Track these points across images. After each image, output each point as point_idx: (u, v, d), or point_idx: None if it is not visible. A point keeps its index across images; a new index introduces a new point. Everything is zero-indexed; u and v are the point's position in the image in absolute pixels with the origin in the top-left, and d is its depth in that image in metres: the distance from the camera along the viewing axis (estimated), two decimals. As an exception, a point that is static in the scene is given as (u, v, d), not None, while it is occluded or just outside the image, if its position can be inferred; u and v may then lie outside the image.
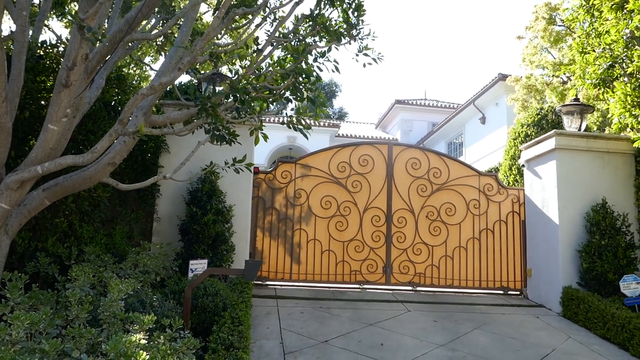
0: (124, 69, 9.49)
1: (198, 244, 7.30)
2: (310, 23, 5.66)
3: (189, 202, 7.66)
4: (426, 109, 30.55)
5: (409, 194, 9.58)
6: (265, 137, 5.68)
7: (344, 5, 5.53)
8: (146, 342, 3.68)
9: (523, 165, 9.83)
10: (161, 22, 8.63)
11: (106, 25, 6.62)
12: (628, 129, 8.08)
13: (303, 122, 5.51)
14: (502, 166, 12.30)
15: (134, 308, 5.04)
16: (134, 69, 12.87)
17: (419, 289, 9.33)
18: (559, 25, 13.66)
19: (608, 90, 7.86)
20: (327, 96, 49.97)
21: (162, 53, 10.43)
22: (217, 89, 8.21)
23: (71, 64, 4.57)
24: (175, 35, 9.56)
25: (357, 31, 5.63)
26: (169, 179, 5.53)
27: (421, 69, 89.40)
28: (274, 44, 6.00)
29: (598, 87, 7.93)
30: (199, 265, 6.65)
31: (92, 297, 4.60)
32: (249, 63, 5.68)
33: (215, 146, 6.32)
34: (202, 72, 8.85)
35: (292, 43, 5.83)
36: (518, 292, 9.52)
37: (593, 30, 7.78)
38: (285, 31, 6.02)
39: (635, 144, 8.35)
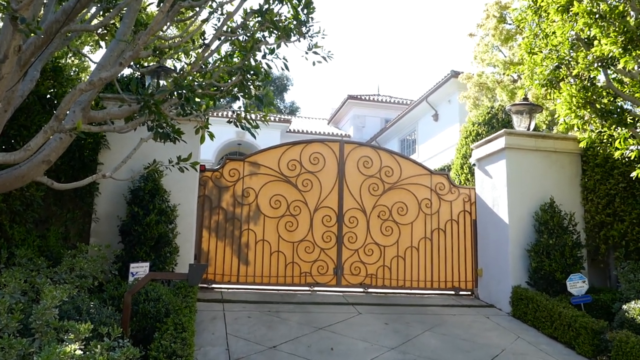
0: (60, 60, 9.21)
1: (139, 246, 7.18)
2: (259, 18, 5.66)
3: (130, 202, 7.53)
4: (379, 105, 30.96)
5: (360, 193, 9.70)
6: (212, 136, 5.64)
7: (294, 2, 5.55)
8: (82, 352, 3.61)
9: (474, 164, 10.12)
10: (102, 11, 8.41)
11: (42, 13, 6.41)
12: (575, 129, 8.44)
13: (250, 121, 5.51)
14: (454, 165, 12.63)
15: (70, 315, 4.92)
16: (72, 59, 12.49)
17: (370, 290, 9.48)
18: (509, 24, 14.12)
19: (555, 90, 8.20)
20: (278, 90, 49.81)
21: (103, 43, 10.16)
22: (162, 82, 8.08)
23: (2, 56, 4.41)
24: (118, 25, 9.34)
25: (307, 28, 5.67)
26: (108, 177, 5.42)
27: (375, 65, 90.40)
28: (222, 38, 5.96)
29: (546, 88, 8.25)
30: (140, 269, 6.54)
31: (23, 305, 4.47)
32: (194, 58, 5.63)
33: (159, 143, 6.23)
34: (147, 65, 8.69)
35: (241, 38, 5.81)
36: (469, 293, 9.81)
37: (540, 31, 8.09)
38: (234, 25, 5.99)
39: (581, 144, 8.74)
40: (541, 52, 8.09)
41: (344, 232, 9.50)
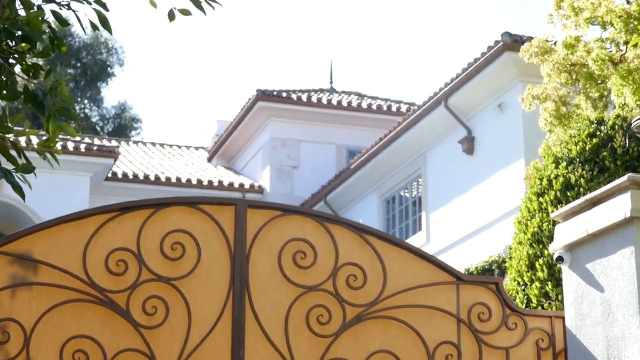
0: None
1: None
2: None
3: None
4: (332, 116, 31.16)
5: (287, 330, 9.64)
6: None
7: None
8: None
9: (559, 259, 10.25)
10: None
11: None
12: None
13: (14, 156, 5.49)
14: (512, 258, 12.82)
15: None
16: None
17: None
18: None
19: None
20: (90, 77, 50.02)
21: None
22: None
23: None
24: None
25: None
26: None
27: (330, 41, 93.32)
28: None
29: None
30: None
31: None
32: None
33: None
34: None
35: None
36: None
37: None
38: None
39: None
40: None
41: None
